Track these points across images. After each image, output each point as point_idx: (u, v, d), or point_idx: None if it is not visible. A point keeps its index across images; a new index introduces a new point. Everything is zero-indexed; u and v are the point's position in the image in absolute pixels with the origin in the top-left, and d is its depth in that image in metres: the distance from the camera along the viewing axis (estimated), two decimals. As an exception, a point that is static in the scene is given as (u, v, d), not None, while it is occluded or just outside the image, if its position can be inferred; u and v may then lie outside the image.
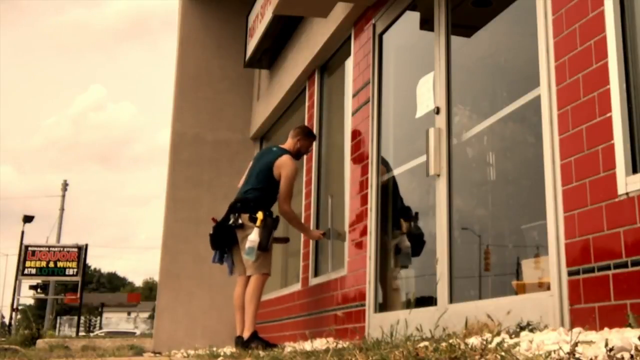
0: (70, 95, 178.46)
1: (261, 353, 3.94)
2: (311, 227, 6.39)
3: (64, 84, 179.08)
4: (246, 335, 5.19)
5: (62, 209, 32.01)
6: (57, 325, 33.45)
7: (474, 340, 2.34)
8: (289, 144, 5.73)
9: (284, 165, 5.49)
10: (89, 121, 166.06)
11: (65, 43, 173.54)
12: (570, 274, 2.98)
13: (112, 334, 24.75)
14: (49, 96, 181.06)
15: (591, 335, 2.27)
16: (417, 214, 5.07)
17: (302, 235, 6.53)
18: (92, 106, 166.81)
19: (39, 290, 33.62)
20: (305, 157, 6.61)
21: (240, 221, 5.34)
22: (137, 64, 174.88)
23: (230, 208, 5.52)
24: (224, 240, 5.51)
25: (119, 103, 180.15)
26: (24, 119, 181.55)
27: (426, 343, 2.41)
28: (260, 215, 5.26)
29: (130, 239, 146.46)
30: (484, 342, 2.17)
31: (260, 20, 7.85)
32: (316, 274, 6.28)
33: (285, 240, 6.53)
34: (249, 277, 5.40)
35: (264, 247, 5.28)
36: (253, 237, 5.21)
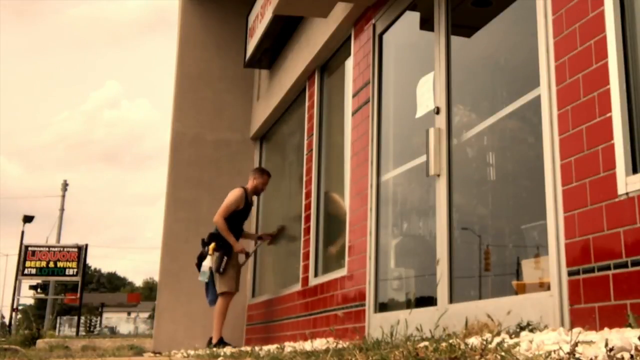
0: (85, 91, 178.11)
1: (261, 353, 3.98)
2: (311, 228, 6.43)
3: (79, 79, 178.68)
4: (214, 340, 6.63)
5: (62, 209, 31.97)
6: (57, 326, 33.43)
7: (474, 340, 2.34)
8: (249, 183, 7.16)
9: (229, 194, 6.97)
10: (102, 118, 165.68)
11: (82, 37, 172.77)
12: (570, 274, 2.98)
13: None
14: (63, 92, 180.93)
15: (591, 335, 2.27)
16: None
17: (302, 235, 6.60)
18: (106, 103, 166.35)
19: (39, 290, 33.65)
20: (305, 157, 6.81)
21: (207, 251, 6.80)
22: (155, 59, 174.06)
23: (202, 242, 6.94)
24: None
25: (134, 100, 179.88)
26: (36, 115, 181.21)
27: (426, 343, 2.41)
28: (212, 245, 6.74)
29: (137, 238, 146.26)
30: (484, 342, 2.17)
31: (260, 20, 7.85)
32: (316, 274, 6.28)
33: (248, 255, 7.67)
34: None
35: (217, 270, 6.72)
36: (206, 263, 6.72)
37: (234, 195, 6.95)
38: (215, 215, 6.84)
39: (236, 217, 6.94)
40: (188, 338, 7.92)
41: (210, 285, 6.89)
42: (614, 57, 2.89)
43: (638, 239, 2.64)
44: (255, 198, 7.84)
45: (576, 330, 2.48)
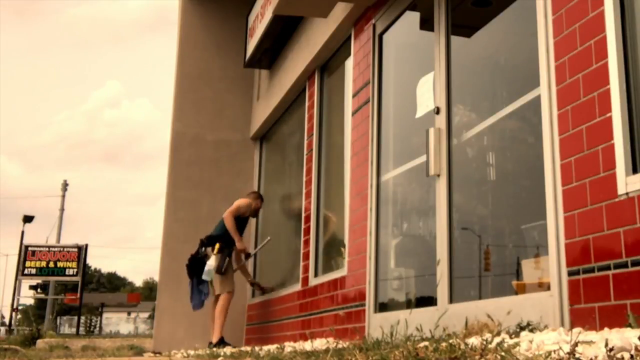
0: (85, 91, 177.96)
1: (261, 353, 3.99)
2: (311, 228, 6.43)
3: (79, 79, 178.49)
4: (214, 340, 6.67)
5: (62, 209, 31.96)
6: (57, 326, 33.41)
7: (474, 340, 2.34)
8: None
9: (238, 200, 7.15)
10: (102, 118, 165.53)
11: (83, 37, 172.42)
12: (570, 274, 2.98)
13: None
14: (63, 92, 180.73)
15: (591, 335, 2.27)
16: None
17: (302, 235, 6.60)
18: (106, 103, 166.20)
19: (39, 290, 33.65)
20: (305, 156, 6.84)
21: (205, 253, 6.89)
22: (155, 59, 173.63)
23: (200, 243, 6.98)
24: (196, 270, 6.92)
25: (134, 100, 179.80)
26: (36, 115, 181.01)
27: (426, 343, 2.41)
28: (217, 245, 6.79)
29: (137, 238, 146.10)
30: (484, 342, 2.17)
31: (260, 20, 7.85)
32: (316, 274, 6.28)
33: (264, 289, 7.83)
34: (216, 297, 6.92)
35: (219, 270, 6.75)
36: (210, 262, 6.79)
37: (244, 200, 7.14)
38: (226, 212, 6.94)
39: (238, 224, 7.03)
40: (188, 338, 7.92)
41: (195, 289, 6.97)
42: (614, 57, 2.89)
43: (638, 239, 2.64)
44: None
45: (576, 330, 2.48)
